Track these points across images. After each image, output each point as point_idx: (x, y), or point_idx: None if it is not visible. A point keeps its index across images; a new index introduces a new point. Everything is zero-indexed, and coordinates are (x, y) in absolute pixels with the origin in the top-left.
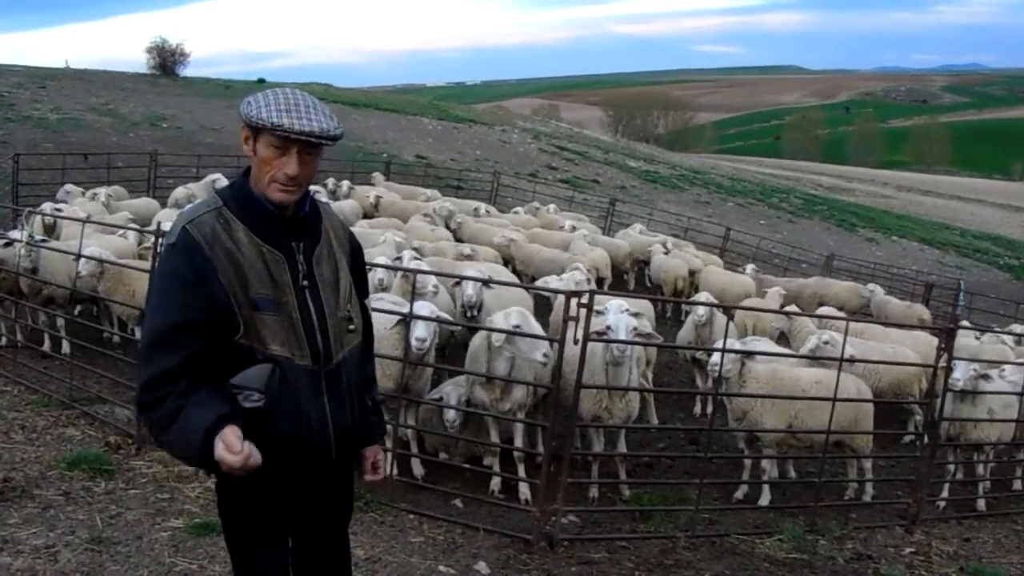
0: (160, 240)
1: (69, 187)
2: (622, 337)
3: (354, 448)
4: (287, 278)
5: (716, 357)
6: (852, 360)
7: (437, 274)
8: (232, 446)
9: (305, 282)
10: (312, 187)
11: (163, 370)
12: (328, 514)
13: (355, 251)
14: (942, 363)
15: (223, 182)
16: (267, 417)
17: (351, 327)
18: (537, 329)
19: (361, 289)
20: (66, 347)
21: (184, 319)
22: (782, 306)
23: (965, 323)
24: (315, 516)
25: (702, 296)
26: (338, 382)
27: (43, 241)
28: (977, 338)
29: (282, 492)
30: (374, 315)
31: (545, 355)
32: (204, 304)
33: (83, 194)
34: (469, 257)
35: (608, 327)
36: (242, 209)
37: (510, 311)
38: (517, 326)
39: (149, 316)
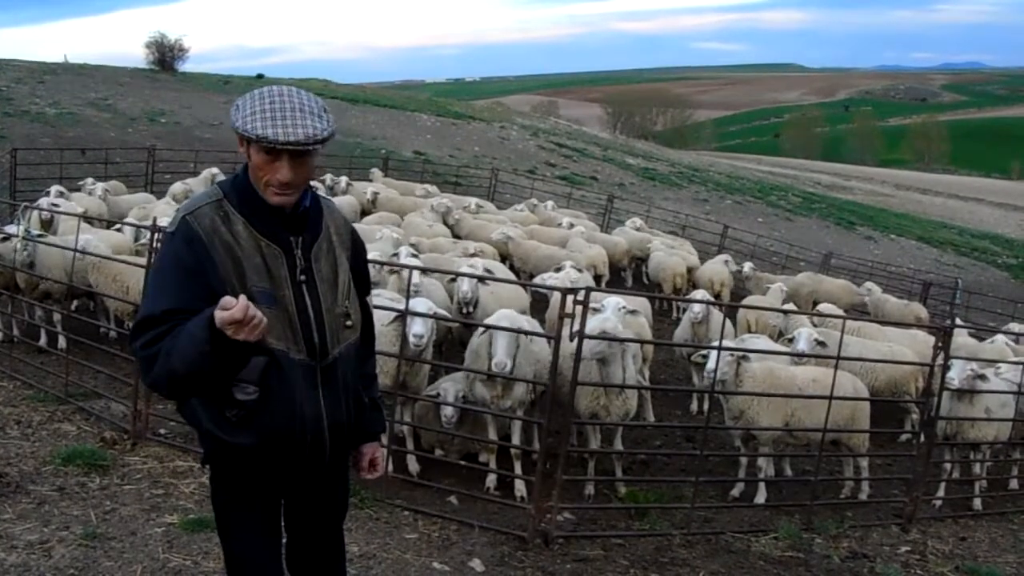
0: (157, 235)
1: (56, 188)
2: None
3: (351, 444)
4: (284, 272)
5: (712, 364)
6: (822, 345)
7: (432, 270)
8: (227, 303)
9: (303, 277)
10: (310, 182)
11: (157, 334)
12: (322, 510)
13: (357, 248)
14: (939, 362)
15: (221, 177)
16: (262, 410)
17: (348, 323)
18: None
19: (362, 286)
20: (62, 342)
21: (180, 305)
22: (783, 303)
23: (959, 321)
24: (309, 512)
25: (699, 294)
26: (334, 377)
27: (40, 236)
28: (992, 341)
29: (276, 487)
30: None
31: (497, 364)
32: (202, 293)
33: (62, 194)
34: (475, 255)
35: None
36: (242, 202)
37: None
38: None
39: (146, 300)
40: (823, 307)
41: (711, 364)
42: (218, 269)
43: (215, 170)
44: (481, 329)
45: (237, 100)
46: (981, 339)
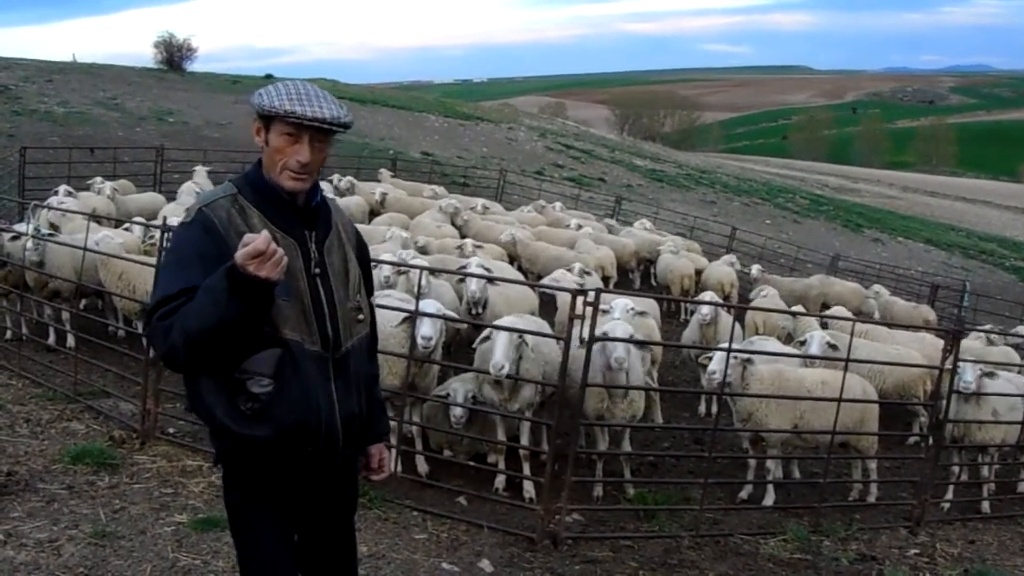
0: (166, 235)
1: (65, 187)
2: (618, 344)
3: (360, 441)
4: (299, 264)
5: (714, 366)
6: (834, 348)
7: (440, 271)
8: (249, 239)
9: (317, 270)
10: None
11: (174, 307)
12: (334, 506)
13: (361, 248)
14: (948, 365)
15: (202, 177)
16: (277, 402)
17: (360, 317)
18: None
19: (367, 285)
20: (71, 341)
21: (197, 283)
22: (789, 305)
23: (986, 327)
24: (321, 508)
25: (707, 296)
26: (346, 370)
27: (49, 235)
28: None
29: (289, 483)
30: (381, 312)
31: (494, 365)
32: None
33: (70, 193)
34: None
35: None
36: (257, 196)
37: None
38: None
39: (161, 282)
40: (835, 310)
41: (713, 366)
42: None
43: (204, 168)
44: (487, 332)
45: (258, 91)
46: (1012, 345)
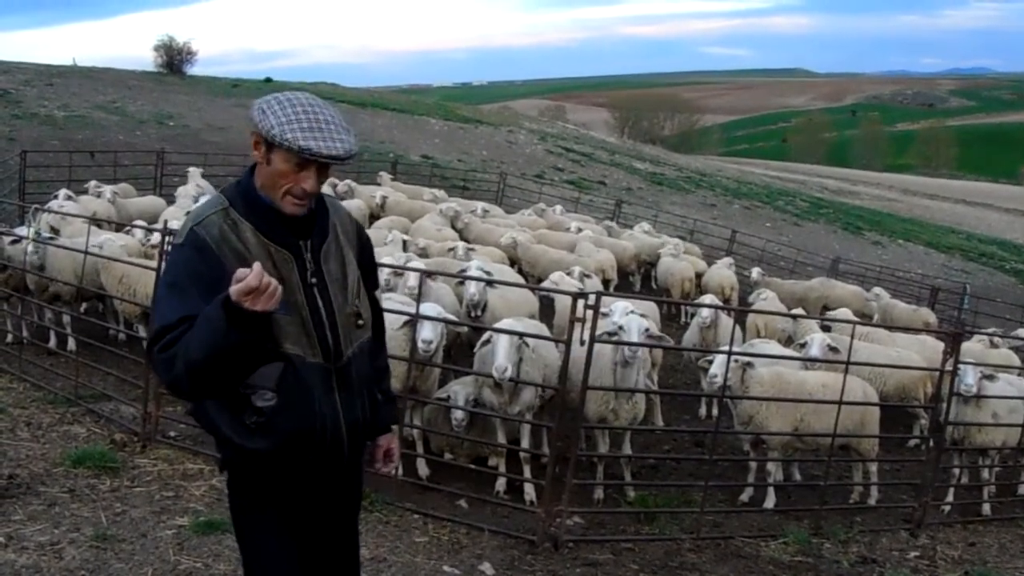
0: (168, 238)
1: (65, 191)
2: (634, 338)
3: (366, 440)
4: (296, 277)
5: (714, 369)
6: (835, 350)
7: (440, 274)
8: (241, 275)
9: (313, 280)
10: None
11: (174, 336)
12: (338, 510)
13: (364, 244)
14: (948, 367)
15: (199, 179)
16: (280, 415)
17: (360, 322)
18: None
19: (370, 282)
20: (72, 344)
21: (195, 312)
22: (789, 308)
23: (989, 330)
24: (325, 513)
25: (707, 299)
26: (349, 378)
27: (50, 238)
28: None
29: (293, 490)
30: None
31: (497, 368)
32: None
33: (70, 197)
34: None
35: (620, 327)
36: (248, 209)
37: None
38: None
39: (159, 310)
40: (840, 312)
41: (714, 369)
42: (230, 277)
43: (198, 170)
44: (487, 336)
45: (259, 104)
46: (1012, 348)
